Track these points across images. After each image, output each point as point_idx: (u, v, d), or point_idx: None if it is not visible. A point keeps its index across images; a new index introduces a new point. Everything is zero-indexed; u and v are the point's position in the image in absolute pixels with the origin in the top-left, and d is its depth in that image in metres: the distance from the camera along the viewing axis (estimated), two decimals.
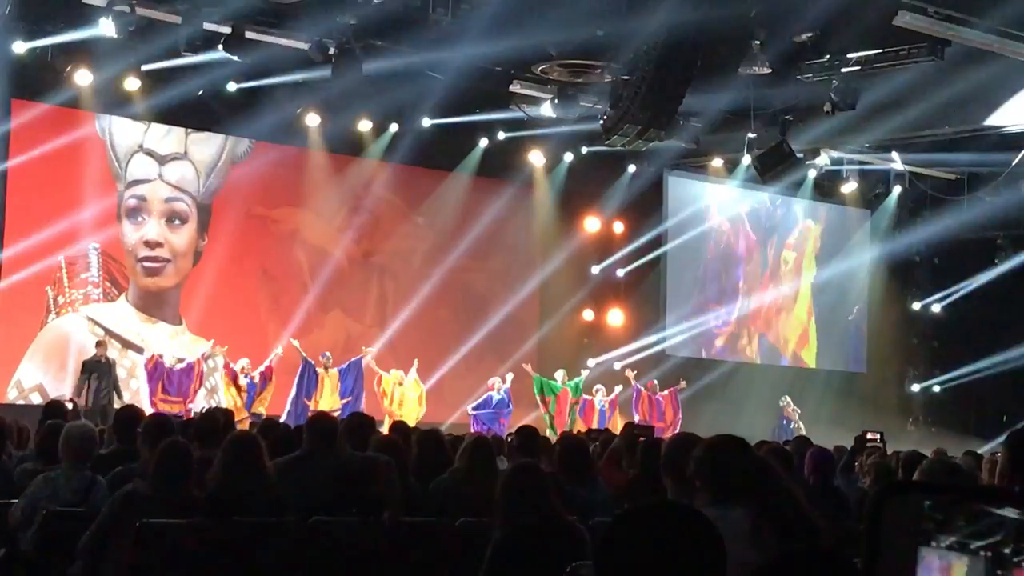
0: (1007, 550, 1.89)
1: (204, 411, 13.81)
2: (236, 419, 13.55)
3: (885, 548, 1.90)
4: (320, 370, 21.37)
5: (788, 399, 24.58)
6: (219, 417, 10.15)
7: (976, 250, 26.58)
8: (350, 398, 21.34)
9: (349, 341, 23.42)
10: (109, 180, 21.09)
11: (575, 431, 18.44)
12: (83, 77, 19.72)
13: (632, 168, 25.69)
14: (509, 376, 22.80)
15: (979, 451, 13.67)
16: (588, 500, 7.95)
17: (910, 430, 27.61)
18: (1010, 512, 1.89)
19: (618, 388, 23.89)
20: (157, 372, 19.93)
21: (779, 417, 24.09)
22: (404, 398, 21.63)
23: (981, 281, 26.53)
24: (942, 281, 27.66)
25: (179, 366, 20.15)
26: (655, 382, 24.16)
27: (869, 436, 14.74)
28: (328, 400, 21.00)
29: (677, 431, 19.65)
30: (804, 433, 22.03)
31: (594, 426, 22.52)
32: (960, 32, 17.42)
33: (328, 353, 22.15)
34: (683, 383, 24.31)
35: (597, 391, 23.57)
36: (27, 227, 19.91)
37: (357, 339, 23.30)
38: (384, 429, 13.91)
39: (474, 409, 22.39)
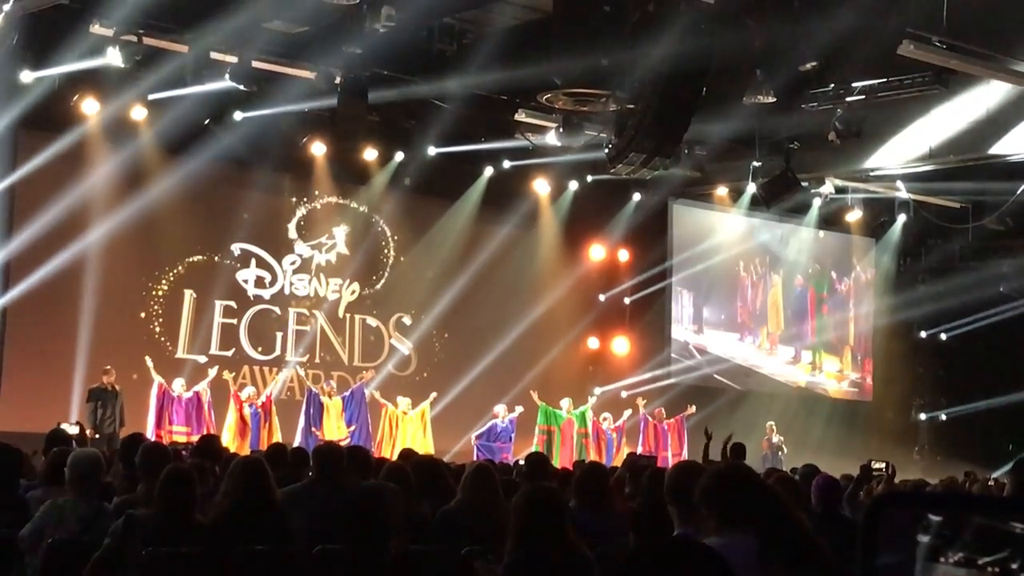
0: (1015, 565, 1.89)
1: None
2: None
3: (881, 561, 1.91)
4: (324, 398, 21.38)
5: (772, 424, 24.49)
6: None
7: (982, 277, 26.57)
8: (355, 426, 21.33)
9: (354, 369, 23.43)
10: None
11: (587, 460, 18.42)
12: (90, 106, 19.79)
13: (637, 196, 25.73)
14: (518, 408, 22.74)
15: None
16: (600, 528, 7.93)
17: (916, 459, 27.55)
18: (1017, 526, 1.90)
19: (627, 413, 23.86)
20: (164, 401, 19.92)
21: (765, 444, 23.94)
22: (404, 431, 21.60)
23: (987, 310, 26.50)
24: (948, 310, 27.60)
25: (186, 395, 20.15)
26: (662, 410, 24.12)
27: (875, 466, 14.67)
28: (334, 427, 20.97)
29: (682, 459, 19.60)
30: (783, 459, 22.06)
31: (603, 453, 22.54)
32: (965, 61, 17.44)
33: (332, 381, 22.20)
34: (691, 408, 24.25)
35: (604, 419, 23.54)
36: (33, 254, 19.93)
37: (362, 367, 23.32)
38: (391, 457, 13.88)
39: (478, 437, 22.35)
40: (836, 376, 28.07)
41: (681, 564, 2.67)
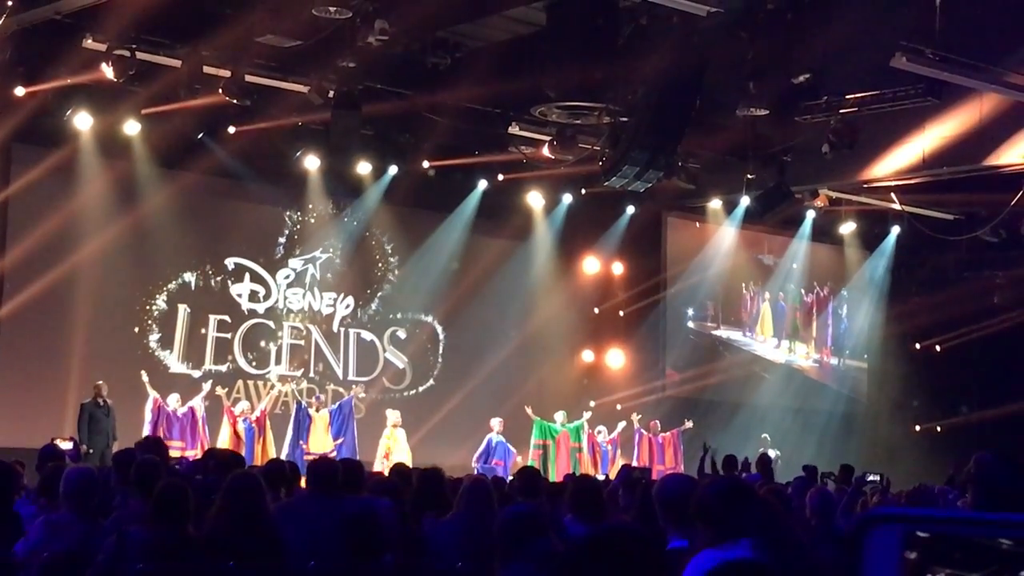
0: None
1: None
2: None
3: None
4: (312, 411, 21.34)
5: (767, 436, 24.54)
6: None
7: (976, 289, 26.59)
8: (343, 439, 21.26)
9: (349, 384, 23.41)
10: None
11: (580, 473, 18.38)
12: (83, 121, 19.77)
13: (631, 209, 25.70)
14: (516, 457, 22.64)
15: None
16: None
17: (911, 471, 27.49)
18: (1003, 541, 1.89)
19: (621, 424, 23.79)
20: (159, 416, 19.87)
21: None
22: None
23: (982, 321, 26.52)
24: (943, 321, 27.59)
25: (181, 410, 20.11)
26: (657, 423, 24.07)
27: (870, 478, 14.68)
28: (321, 441, 20.90)
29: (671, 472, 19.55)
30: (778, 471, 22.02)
31: (598, 466, 22.49)
32: (958, 73, 17.47)
33: (322, 395, 22.19)
34: (688, 423, 24.23)
35: (599, 432, 23.49)
36: (27, 268, 19.90)
37: (357, 381, 23.32)
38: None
39: (477, 460, 22.05)
40: (804, 356, 29.52)
41: (619, 550, 2.78)
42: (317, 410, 21.46)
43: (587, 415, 23.80)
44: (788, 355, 29.10)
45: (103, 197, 20.71)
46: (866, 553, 1.93)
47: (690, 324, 27.55)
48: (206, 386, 20.87)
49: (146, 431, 19.59)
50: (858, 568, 1.93)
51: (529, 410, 22.98)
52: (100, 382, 19.47)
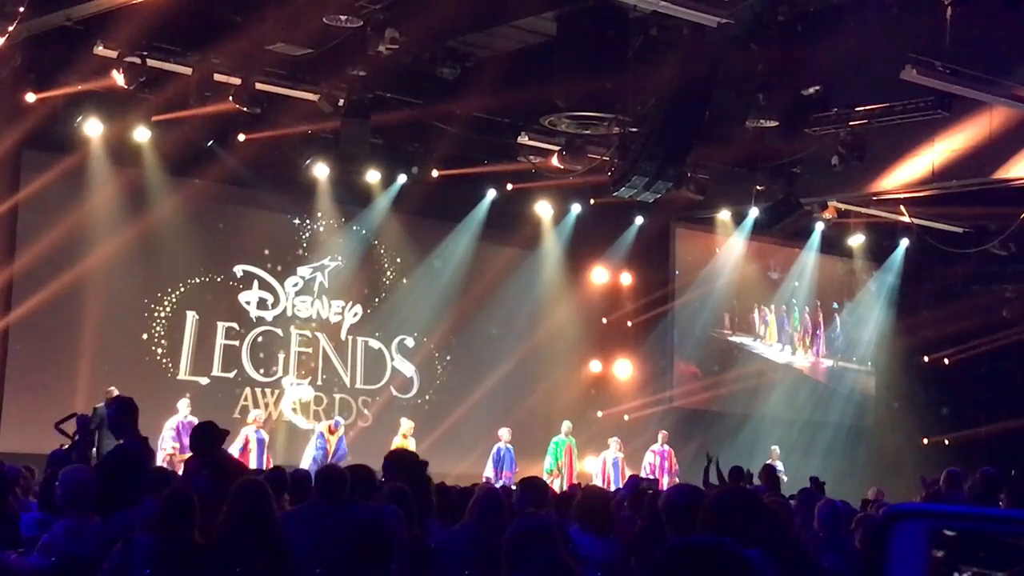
0: None
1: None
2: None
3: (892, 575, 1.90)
4: (326, 434, 21.07)
5: (776, 448, 24.47)
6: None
7: (985, 302, 26.53)
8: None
9: (356, 392, 23.42)
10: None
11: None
12: (93, 128, 19.81)
13: (640, 219, 25.71)
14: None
15: None
16: (602, 552, 7.91)
17: (920, 485, 27.38)
18: None
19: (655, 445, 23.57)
20: (180, 429, 19.79)
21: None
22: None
23: (991, 334, 26.45)
24: (951, 334, 27.53)
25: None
26: (666, 434, 23.94)
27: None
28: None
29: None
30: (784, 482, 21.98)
31: (605, 478, 22.40)
32: (968, 86, 17.45)
33: (340, 419, 21.78)
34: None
35: (609, 444, 23.31)
36: (36, 275, 19.91)
37: (364, 389, 23.33)
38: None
39: (487, 474, 21.90)
40: (801, 356, 29.31)
41: (716, 566, 2.70)
42: (331, 432, 21.19)
43: (592, 458, 23.37)
44: (791, 356, 29.27)
45: (113, 204, 20.75)
46: (892, 547, 1.92)
47: (708, 331, 27.76)
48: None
49: (171, 442, 19.43)
50: (883, 562, 1.92)
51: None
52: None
